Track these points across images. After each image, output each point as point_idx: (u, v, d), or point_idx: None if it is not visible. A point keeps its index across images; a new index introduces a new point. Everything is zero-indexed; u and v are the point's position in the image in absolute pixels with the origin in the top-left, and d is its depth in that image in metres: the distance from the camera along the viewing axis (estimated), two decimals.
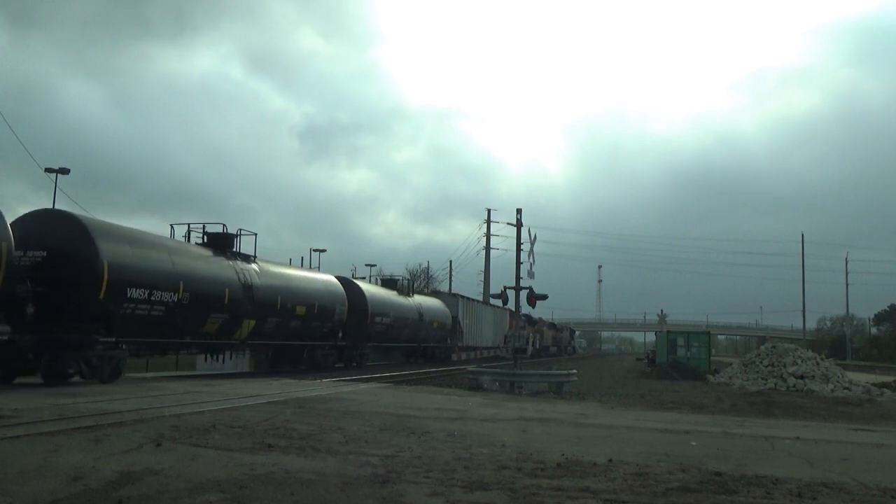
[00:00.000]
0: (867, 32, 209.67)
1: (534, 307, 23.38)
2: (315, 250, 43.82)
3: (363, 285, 30.24)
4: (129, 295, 15.87)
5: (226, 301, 19.35)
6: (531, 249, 21.66)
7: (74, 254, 14.87)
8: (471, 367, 23.17)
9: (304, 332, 24.25)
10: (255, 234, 22.50)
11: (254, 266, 21.56)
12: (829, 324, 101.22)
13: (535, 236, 22.10)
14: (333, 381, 18.83)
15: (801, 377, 24.80)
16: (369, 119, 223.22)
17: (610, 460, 7.57)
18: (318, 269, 27.38)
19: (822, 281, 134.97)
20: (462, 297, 43.96)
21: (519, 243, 21.58)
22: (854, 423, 13.99)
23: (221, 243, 20.90)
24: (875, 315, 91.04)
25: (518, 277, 21.19)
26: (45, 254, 14.63)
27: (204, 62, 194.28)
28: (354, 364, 28.12)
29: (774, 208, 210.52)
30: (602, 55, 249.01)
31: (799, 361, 26.01)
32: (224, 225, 21.56)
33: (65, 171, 32.64)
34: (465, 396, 16.62)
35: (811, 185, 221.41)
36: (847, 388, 23.83)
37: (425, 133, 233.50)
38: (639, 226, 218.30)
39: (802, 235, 74.05)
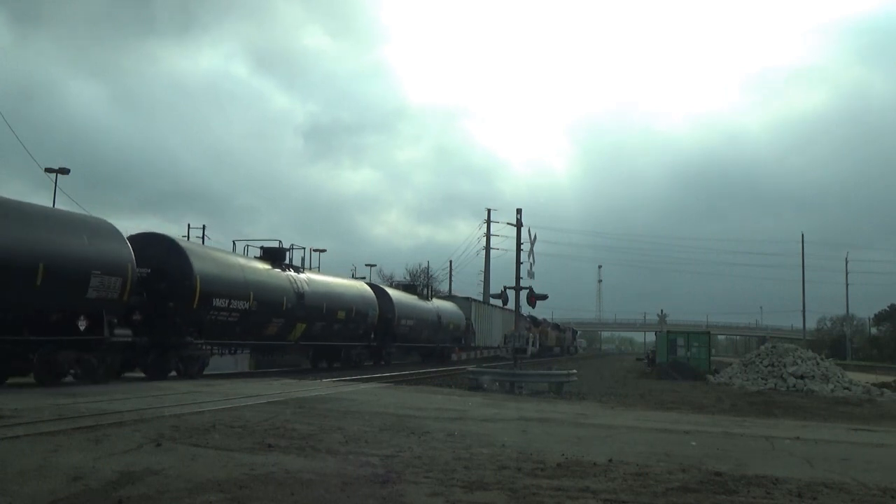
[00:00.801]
0: (874, 31, 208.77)
1: (534, 307, 23.40)
2: (315, 250, 43.90)
3: (390, 291, 32.83)
4: (214, 304, 18.92)
5: (283, 308, 22.35)
6: (531, 249, 21.67)
7: (173, 270, 17.69)
8: (471, 367, 23.18)
9: (344, 334, 27.02)
10: (304, 248, 26.06)
11: (303, 276, 24.41)
12: (829, 324, 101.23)
13: (535, 236, 22.13)
14: (333, 381, 18.84)
15: (801, 377, 24.80)
16: (373, 118, 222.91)
17: (610, 460, 7.57)
18: (319, 269, 28.20)
19: (822, 281, 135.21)
20: (475, 300, 46.13)
21: (519, 243, 21.59)
22: (854, 423, 14.00)
23: (277, 257, 23.73)
24: (875, 315, 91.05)
25: (518, 277, 21.19)
26: (149, 270, 17.08)
27: (209, 61, 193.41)
28: (382, 362, 30.79)
29: (778, 208, 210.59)
30: (607, 54, 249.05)
31: (799, 361, 26.02)
32: (280, 241, 24.68)
33: (65, 171, 32.68)
34: (465, 396, 16.62)
35: (815, 184, 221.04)
36: (847, 388, 23.84)
37: (429, 132, 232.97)
38: (640, 225, 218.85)
39: (802, 235, 74.15)
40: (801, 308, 72.37)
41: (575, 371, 21.07)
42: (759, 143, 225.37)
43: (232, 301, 19.63)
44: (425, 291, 39.42)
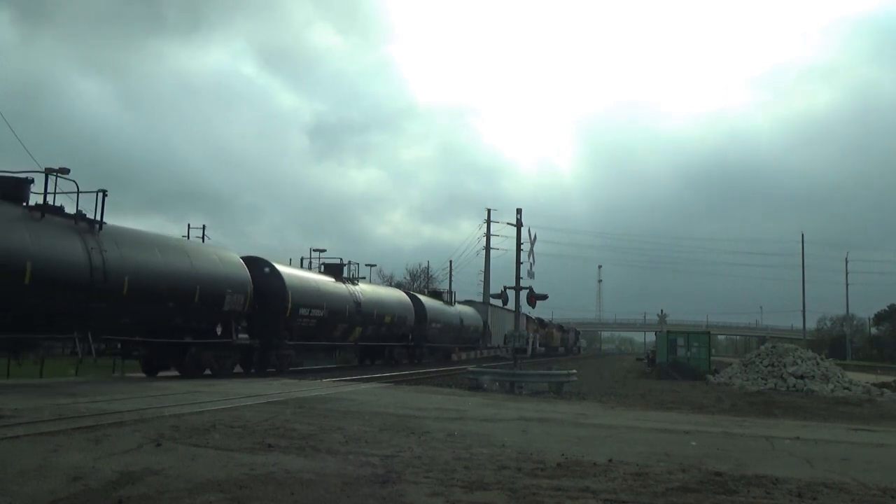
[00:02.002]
0: (886, 29, 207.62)
1: (534, 307, 23.40)
2: (315, 250, 43.95)
3: (423, 298, 37.50)
4: (300, 313, 23.44)
5: (346, 314, 26.95)
6: (531, 249, 21.68)
7: (273, 287, 22.16)
8: (471, 367, 23.18)
9: (388, 336, 31.47)
10: (359, 264, 30.17)
11: (358, 287, 29.14)
12: (829, 324, 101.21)
13: (535, 236, 22.16)
14: (333, 381, 18.85)
15: (801, 377, 24.80)
16: (380, 117, 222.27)
17: (610, 460, 7.57)
18: (320, 269, 28.95)
19: (823, 281, 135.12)
20: (491, 305, 49.16)
21: (519, 243, 21.60)
22: (854, 423, 14.00)
23: (338, 271, 28.65)
24: (875, 315, 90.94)
25: (518, 277, 21.20)
26: (251, 289, 20.83)
27: (216, 59, 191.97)
28: (416, 361, 34.38)
29: (782, 207, 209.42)
30: (614, 53, 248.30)
31: (799, 361, 26.02)
32: (340, 259, 29.69)
33: (65, 170, 32.60)
34: (464, 396, 16.62)
35: (821, 184, 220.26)
36: (847, 388, 23.83)
37: (435, 131, 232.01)
38: (643, 225, 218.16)
39: (802, 235, 74.15)
40: (802, 308, 72.41)
41: (575, 371, 21.06)
42: (767, 142, 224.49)
43: (312, 310, 24.22)
44: (450, 297, 44.17)
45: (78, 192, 15.75)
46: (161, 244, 18.23)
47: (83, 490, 5.42)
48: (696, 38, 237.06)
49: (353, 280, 29.02)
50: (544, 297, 22.05)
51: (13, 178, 14.99)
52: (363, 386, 17.77)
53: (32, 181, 15.24)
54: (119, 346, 17.12)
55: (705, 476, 6.95)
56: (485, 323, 46.11)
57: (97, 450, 6.95)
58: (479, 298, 57.83)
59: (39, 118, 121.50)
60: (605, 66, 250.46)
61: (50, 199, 15.52)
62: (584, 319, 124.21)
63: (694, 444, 9.50)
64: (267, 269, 22.43)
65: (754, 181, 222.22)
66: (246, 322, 20.56)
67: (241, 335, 20.10)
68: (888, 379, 32.44)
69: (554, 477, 6.65)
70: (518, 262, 21.35)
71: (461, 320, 41.75)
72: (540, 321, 61.28)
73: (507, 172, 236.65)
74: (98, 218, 15.81)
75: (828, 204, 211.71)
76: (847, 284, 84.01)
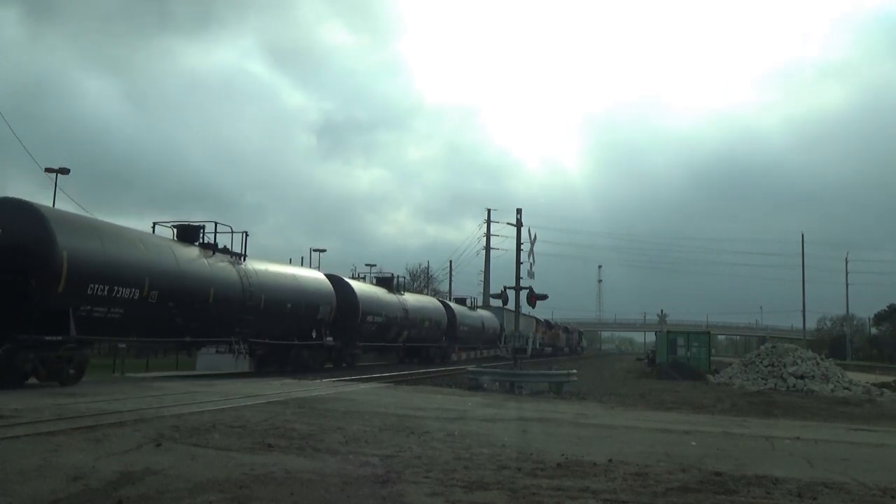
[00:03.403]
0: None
1: (534, 307, 23.38)
2: (315, 250, 44.23)
3: (453, 305, 43.83)
4: (367, 319, 29.14)
5: (397, 320, 32.49)
6: (531, 249, 21.67)
7: (347, 300, 27.53)
8: (471, 367, 23.16)
9: (426, 337, 36.97)
10: (404, 277, 37.09)
11: (405, 296, 35.49)
12: (829, 324, 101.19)
13: (535, 236, 22.15)
14: (333, 381, 18.84)
15: (801, 377, 24.78)
16: (387, 116, 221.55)
17: (610, 460, 7.57)
18: (319, 268, 31.70)
19: (823, 281, 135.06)
20: (507, 309, 50.69)
21: (519, 243, 21.59)
22: (854, 423, 13.99)
23: (388, 283, 34.83)
24: (875, 315, 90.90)
25: (518, 277, 21.19)
26: (335, 302, 26.33)
27: (224, 57, 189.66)
28: (447, 359, 38.96)
29: (787, 207, 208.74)
30: (621, 52, 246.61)
31: (799, 361, 26.00)
32: (392, 273, 36.59)
33: (65, 170, 32.58)
34: (464, 396, 16.62)
35: (819, 184, 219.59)
36: (847, 388, 23.82)
37: (442, 130, 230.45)
38: (646, 225, 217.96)
39: (802, 235, 74.13)
40: (802, 308, 72.36)
41: (575, 371, 21.04)
42: (772, 141, 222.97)
43: (374, 317, 29.94)
44: (472, 303, 50.00)
45: (218, 229, 21.50)
46: (279, 271, 24.38)
47: (83, 490, 5.42)
48: (702, 36, 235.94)
49: (400, 291, 35.52)
50: (544, 297, 22.04)
51: (191, 225, 20.71)
52: (363, 386, 17.77)
53: (204, 227, 20.90)
54: (248, 346, 21.95)
55: (705, 476, 6.95)
56: (501, 325, 50.04)
57: (97, 450, 6.95)
58: (479, 298, 58.06)
59: (45, 116, 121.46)
60: (612, 65, 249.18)
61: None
62: (585, 319, 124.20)
63: (694, 444, 9.51)
64: (344, 285, 28.32)
65: (758, 180, 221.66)
66: (330, 328, 26.13)
67: (327, 338, 25.74)
68: (888, 379, 32.44)
69: (554, 477, 6.65)
70: (518, 262, 21.34)
71: (482, 323, 47.39)
72: (547, 323, 65.98)
73: (513, 171, 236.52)
74: (243, 252, 21.63)
75: (828, 204, 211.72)
76: (847, 284, 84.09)
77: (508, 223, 23.71)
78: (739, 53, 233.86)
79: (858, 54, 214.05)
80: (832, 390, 23.46)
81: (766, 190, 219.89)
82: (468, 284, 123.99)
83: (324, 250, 45.38)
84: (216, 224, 21.26)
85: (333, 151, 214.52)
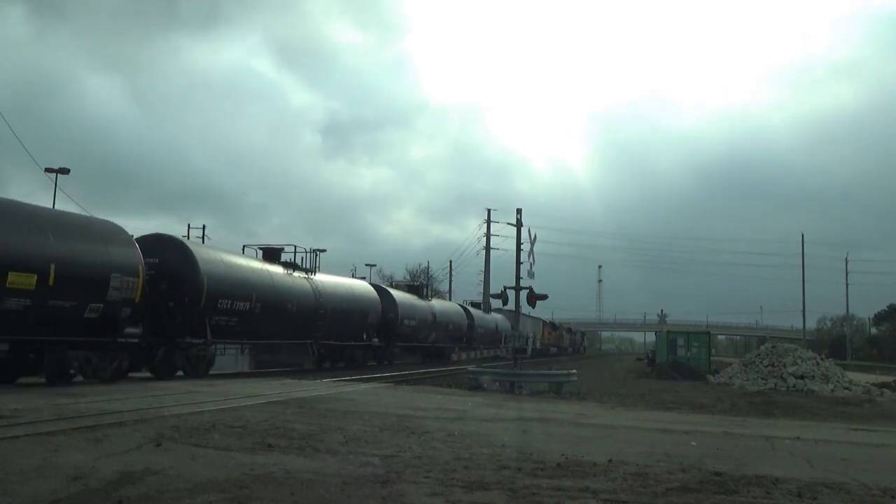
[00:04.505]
0: None
1: (533, 307, 23.39)
2: (315, 250, 44.04)
3: (472, 309, 47.67)
4: (405, 323, 33.81)
5: (427, 323, 37.11)
6: (531, 249, 21.67)
7: (389, 310, 31.98)
8: (471, 367, 23.17)
9: (450, 338, 41.83)
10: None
11: (434, 302, 40.71)
12: (829, 324, 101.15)
13: (535, 236, 22.16)
14: (333, 381, 18.85)
15: (801, 377, 24.78)
16: (393, 115, 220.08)
17: (610, 460, 7.57)
18: (318, 269, 29.87)
19: (823, 281, 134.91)
20: (521, 313, 50.66)
21: (519, 243, 21.59)
22: (854, 423, 14.00)
23: (419, 290, 40.01)
24: (875, 315, 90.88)
25: (518, 277, 21.19)
26: (380, 309, 31.07)
27: (231, 55, 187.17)
28: (467, 357, 44.02)
29: (783, 207, 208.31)
30: (627, 51, 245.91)
31: (799, 361, 25.99)
32: (421, 281, 43.03)
33: (64, 170, 32.59)
34: (465, 396, 16.62)
35: (820, 184, 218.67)
36: (847, 388, 23.82)
37: (447, 129, 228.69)
38: (648, 225, 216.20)
39: (802, 235, 74.14)
40: (802, 308, 72.34)
41: (575, 371, 21.04)
42: (774, 140, 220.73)
43: (410, 321, 34.42)
44: (486, 308, 53.26)
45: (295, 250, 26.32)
46: (339, 282, 29.23)
47: (83, 490, 5.42)
48: (705, 36, 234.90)
49: (428, 297, 40.40)
50: (544, 297, 22.05)
51: (275, 248, 25.24)
52: (363, 386, 17.77)
53: (283, 249, 25.39)
54: (318, 346, 26.07)
55: (705, 476, 6.95)
56: (512, 327, 52.18)
57: (97, 450, 6.95)
58: (479, 299, 58.11)
59: (49, 114, 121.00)
60: (618, 63, 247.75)
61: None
62: (585, 319, 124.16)
63: (694, 444, 9.51)
64: (385, 293, 32.91)
65: (759, 180, 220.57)
66: (376, 330, 30.71)
67: (374, 339, 30.40)
68: (888, 379, 32.44)
69: (554, 477, 6.66)
70: (518, 263, 21.34)
71: (496, 326, 51.27)
72: (553, 324, 69.60)
73: (518, 171, 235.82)
74: (314, 268, 26.30)
75: (828, 204, 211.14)
76: (847, 284, 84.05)
77: (508, 223, 23.75)
78: (744, 52, 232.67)
79: (865, 53, 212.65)
80: (832, 390, 23.46)
81: (766, 189, 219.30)
82: (468, 284, 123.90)
83: (323, 250, 45.40)
84: (295, 247, 26.22)
85: (338, 150, 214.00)
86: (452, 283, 67.36)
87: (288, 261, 24.92)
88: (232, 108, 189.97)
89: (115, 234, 16.36)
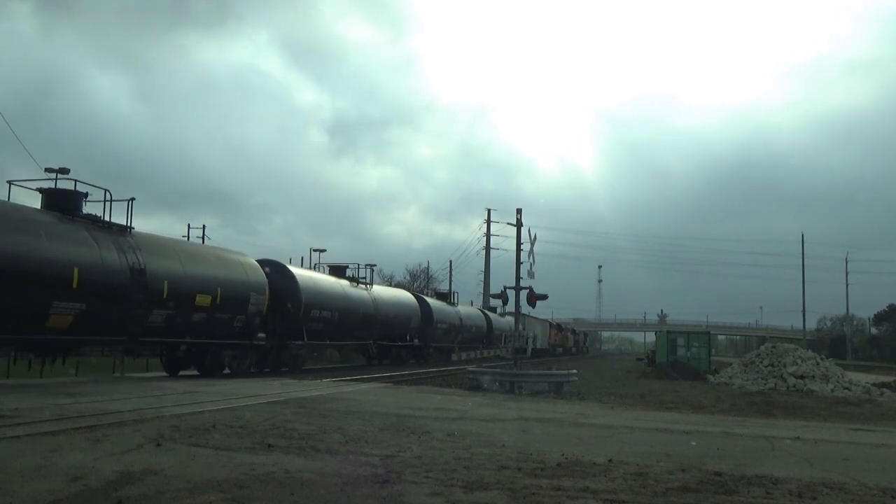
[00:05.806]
0: None
1: (534, 307, 23.38)
2: (315, 250, 44.13)
3: (491, 314, 50.90)
4: (438, 326, 38.02)
5: (455, 326, 41.73)
6: (531, 249, 21.68)
7: (426, 310, 36.74)
8: (471, 367, 23.17)
9: (472, 340, 46.03)
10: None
11: (459, 308, 44.82)
12: (829, 324, 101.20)
13: (535, 236, 22.19)
14: (334, 381, 18.85)
15: (801, 377, 24.77)
16: (400, 114, 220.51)
17: (610, 460, 7.58)
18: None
19: (823, 281, 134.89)
20: (527, 315, 52.50)
21: (519, 243, 21.59)
22: (854, 423, 13.99)
23: (446, 297, 44.43)
24: (875, 315, 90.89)
25: (518, 277, 21.19)
26: (420, 314, 35.95)
27: (239, 53, 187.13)
28: (487, 354, 49.24)
29: (783, 207, 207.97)
30: (633, 50, 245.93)
31: (799, 361, 25.98)
32: (449, 289, 49.16)
33: (65, 170, 32.51)
34: (465, 396, 16.62)
35: (820, 184, 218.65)
36: (847, 388, 23.80)
37: (454, 128, 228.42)
38: (650, 225, 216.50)
39: (802, 235, 74.19)
40: (802, 308, 72.37)
41: (575, 371, 21.03)
42: (779, 141, 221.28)
43: (442, 324, 38.88)
44: (502, 311, 55.18)
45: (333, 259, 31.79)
46: (387, 291, 34.68)
47: (83, 490, 5.42)
48: (715, 33, 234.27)
49: (455, 303, 44.64)
50: (544, 297, 22.04)
51: (341, 266, 30.15)
52: (363, 386, 17.77)
53: (347, 266, 30.45)
54: (375, 347, 30.86)
55: (705, 476, 6.95)
56: (524, 328, 55.00)
57: (97, 450, 6.95)
58: (479, 299, 58.22)
59: (56, 112, 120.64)
60: (625, 62, 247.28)
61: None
62: (585, 319, 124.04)
63: (694, 444, 9.51)
64: (422, 300, 37.47)
65: (759, 180, 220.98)
66: (416, 332, 34.88)
67: (415, 340, 34.60)
68: (888, 379, 32.42)
69: (554, 477, 6.66)
70: (518, 263, 21.35)
71: (510, 328, 52.56)
72: (558, 325, 71.89)
73: (524, 170, 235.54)
74: (370, 280, 31.49)
75: (828, 203, 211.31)
76: (847, 284, 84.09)
77: (509, 223, 23.75)
78: (746, 51, 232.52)
79: (880, 52, 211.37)
80: (832, 390, 23.45)
81: (767, 190, 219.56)
82: (469, 284, 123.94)
83: (324, 250, 45.39)
84: (358, 265, 31.42)
85: (345, 149, 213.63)
86: (452, 284, 67.43)
87: (351, 275, 30.00)
88: (239, 106, 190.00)
89: (250, 263, 21.76)
